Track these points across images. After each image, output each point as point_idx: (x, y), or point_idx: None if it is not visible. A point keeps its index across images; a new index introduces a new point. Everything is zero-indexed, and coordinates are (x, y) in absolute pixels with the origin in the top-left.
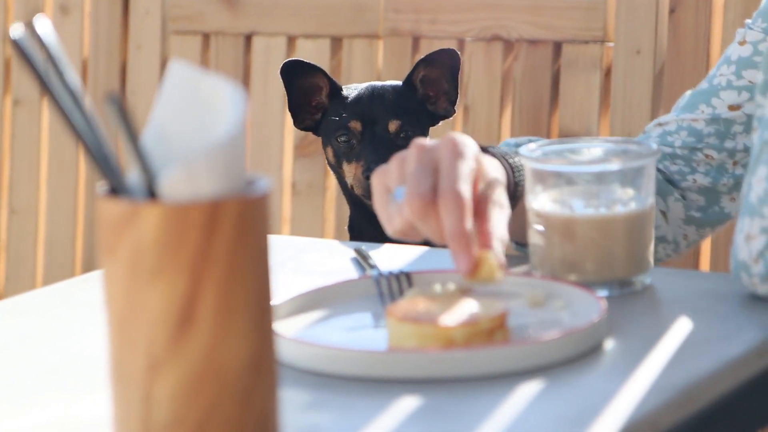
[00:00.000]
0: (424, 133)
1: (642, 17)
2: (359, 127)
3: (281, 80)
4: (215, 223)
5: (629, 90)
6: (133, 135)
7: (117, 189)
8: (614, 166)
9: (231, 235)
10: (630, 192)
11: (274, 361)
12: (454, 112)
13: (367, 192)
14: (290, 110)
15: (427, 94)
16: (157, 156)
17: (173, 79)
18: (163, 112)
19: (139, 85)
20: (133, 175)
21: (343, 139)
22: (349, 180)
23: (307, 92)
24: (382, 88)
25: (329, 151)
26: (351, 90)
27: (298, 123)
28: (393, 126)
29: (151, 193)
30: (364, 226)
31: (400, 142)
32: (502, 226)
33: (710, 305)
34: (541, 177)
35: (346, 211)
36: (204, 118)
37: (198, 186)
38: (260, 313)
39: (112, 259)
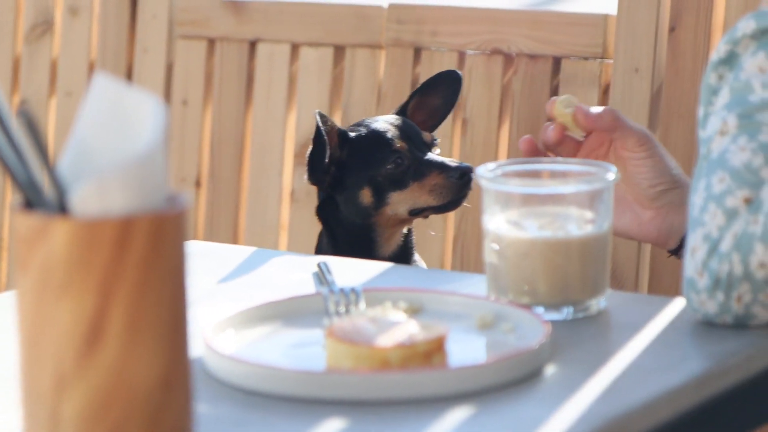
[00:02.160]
0: None
1: (641, 35)
2: (406, 146)
3: (317, 129)
4: (126, 240)
5: (627, 107)
6: (43, 149)
7: (33, 203)
8: (570, 188)
9: (143, 252)
10: (587, 215)
11: (188, 379)
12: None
13: (460, 195)
14: (315, 165)
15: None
16: (78, 170)
17: (97, 92)
18: (85, 126)
19: (144, 89)
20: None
21: (391, 166)
22: (418, 201)
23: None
24: (386, 118)
25: (366, 193)
26: (355, 131)
27: (315, 179)
28: (427, 137)
29: (64, 208)
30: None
31: (435, 151)
32: None
33: (661, 332)
34: (498, 197)
35: None
36: (125, 132)
37: (110, 201)
38: (173, 330)
39: (24, 273)
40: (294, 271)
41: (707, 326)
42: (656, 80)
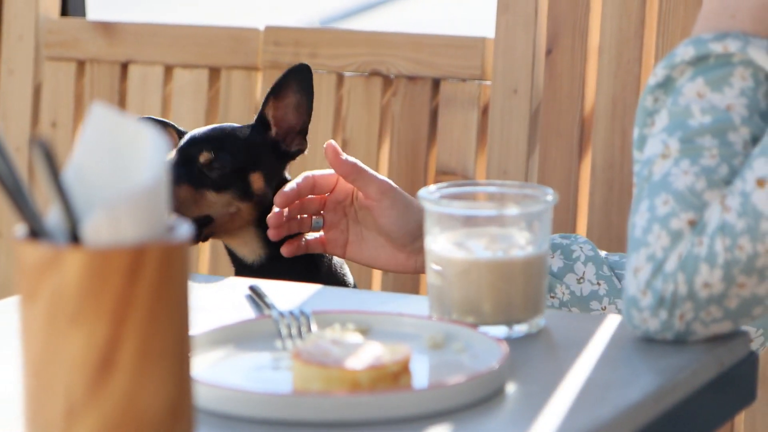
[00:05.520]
0: (267, 170)
1: (519, 58)
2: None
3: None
4: (138, 269)
5: (506, 128)
6: (58, 180)
7: (36, 232)
8: (512, 210)
9: (153, 281)
10: (527, 236)
11: (192, 407)
12: (306, 145)
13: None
14: None
15: (279, 132)
16: (76, 199)
17: (94, 122)
18: (83, 156)
19: (11, 111)
20: (52, 218)
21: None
22: None
23: None
24: (218, 127)
25: None
26: None
27: None
28: (204, 158)
29: (74, 237)
30: None
31: (213, 174)
32: None
33: (604, 349)
34: (440, 219)
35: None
36: (125, 162)
37: (121, 231)
38: (180, 358)
39: (32, 303)
40: (220, 294)
41: (647, 342)
42: (534, 101)
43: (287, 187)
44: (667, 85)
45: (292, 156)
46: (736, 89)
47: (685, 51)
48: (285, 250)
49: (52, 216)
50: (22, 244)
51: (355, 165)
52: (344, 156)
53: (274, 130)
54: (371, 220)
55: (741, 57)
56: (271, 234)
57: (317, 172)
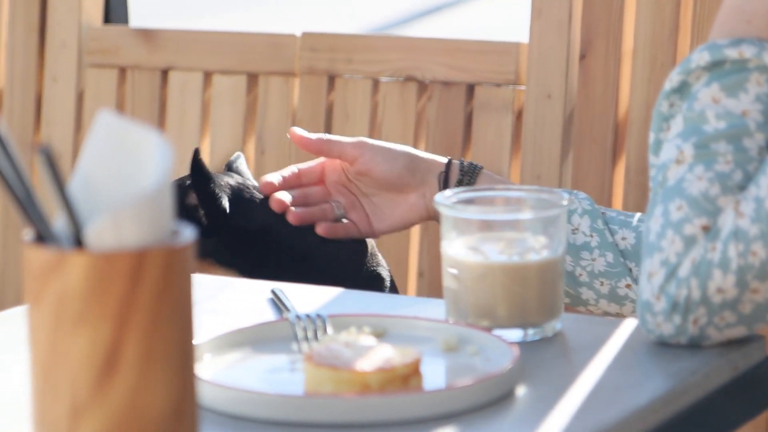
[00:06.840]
0: None
1: (553, 62)
2: None
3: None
4: (140, 272)
5: (540, 133)
6: (62, 185)
7: (43, 236)
8: (527, 215)
9: (156, 284)
10: (542, 240)
11: (196, 407)
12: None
13: None
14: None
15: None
16: (82, 204)
17: (100, 128)
18: (89, 161)
19: (54, 117)
20: (59, 223)
21: None
22: None
23: None
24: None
25: None
26: None
27: None
28: None
29: (78, 242)
30: None
31: None
32: None
33: (618, 352)
34: (456, 224)
35: None
36: (130, 168)
37: (124, 235)
38: (183, 360)
39: (38, 305)
40: (239, 296)
41: (662, 346)
42: (568, 106)
43: (269, 177)
44: (682, 90)
45: (206, 232)
46: (751, 95)
47: (700, 56)
48: (321, 230)
49: (59, 221)
50: (28, 248)
51: (321, 139)
52: (310, 135)
53: (193, 196)
54: (369, 181)
55: (756, 62)
56: (291, 219)
57: (300, 165)
